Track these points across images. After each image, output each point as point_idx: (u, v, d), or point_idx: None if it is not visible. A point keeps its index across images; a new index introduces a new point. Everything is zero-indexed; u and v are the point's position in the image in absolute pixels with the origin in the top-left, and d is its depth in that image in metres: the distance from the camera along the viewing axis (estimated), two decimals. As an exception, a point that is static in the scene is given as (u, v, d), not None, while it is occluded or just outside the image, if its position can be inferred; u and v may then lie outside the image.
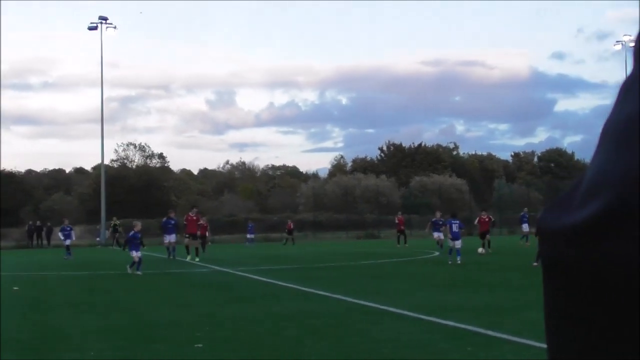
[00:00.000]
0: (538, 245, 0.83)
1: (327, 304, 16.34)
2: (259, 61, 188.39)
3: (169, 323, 13.46)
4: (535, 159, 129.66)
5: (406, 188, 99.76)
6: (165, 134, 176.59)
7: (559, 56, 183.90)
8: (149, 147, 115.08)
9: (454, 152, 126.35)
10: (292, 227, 62.37)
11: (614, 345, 0.66)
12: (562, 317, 0.75)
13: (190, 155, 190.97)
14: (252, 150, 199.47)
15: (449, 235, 29.11)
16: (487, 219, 33.78)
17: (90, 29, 71.45)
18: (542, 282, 0.78)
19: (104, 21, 71.23)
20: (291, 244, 57.72)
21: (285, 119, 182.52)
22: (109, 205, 73.26)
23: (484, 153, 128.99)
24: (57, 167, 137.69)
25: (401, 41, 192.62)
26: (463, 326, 12.16)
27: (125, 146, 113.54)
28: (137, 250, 27.05)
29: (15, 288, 21.65)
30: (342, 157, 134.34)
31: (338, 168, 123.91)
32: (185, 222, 38.11)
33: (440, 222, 37.72)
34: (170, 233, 38.00)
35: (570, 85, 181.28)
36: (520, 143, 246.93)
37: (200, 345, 10.98)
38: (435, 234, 37.78)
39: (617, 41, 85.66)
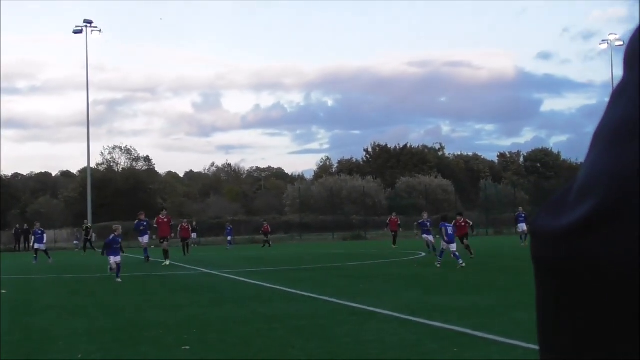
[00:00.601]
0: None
1: (314, 306, 16.37)
2: (245, 63, 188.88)
3: (156, 325, 13.47)
4: (521, 159, 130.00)
5: (392, 189, 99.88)
6: (152, 136, 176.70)
7: (544, 56, 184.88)
8: (135, 150, 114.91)
9: (440, 153, 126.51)
10: (268, 229, 61.92)
11: (606, 345, 0.67)
12: (553, 317, 0.75)
13: (177, 157, 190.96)
14: (238, 152, 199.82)
15: (445, 238, 28.73)
16: (463, 223, 33.14)
17: (76, 32, 71.25)
18: (535, 283, 0.78)
19: (89, 25, 71.08)
20: (268, 247, 57.43)
21: (271, 121, 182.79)
22: (96, 208, 73.11)
23: (470, 154, 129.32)
24: (43, 171, 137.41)
25: (387, 42, 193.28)
26: (450, 327, 12.22)
27: (111, 149, 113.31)
28: (115, 256, 24.99)
29: (3, 291, 21.61)
30: (328, 158, 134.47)
31: (324, 169, 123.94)
32: (155, 225, 37.48)
33: (428, 224, 37.38)
34: (142, 235, 37.97)
35: (556, 85, 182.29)
36: (507, 143, 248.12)
37: (187, 347, 11.00)
38: (425, 236, 37.40)
39: (602, 40, 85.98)
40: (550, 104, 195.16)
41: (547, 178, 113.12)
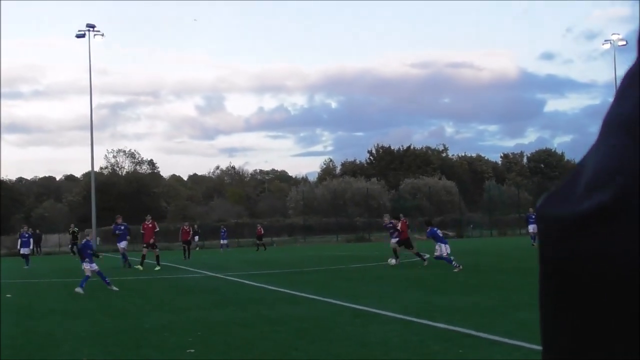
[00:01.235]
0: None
1: (318, 308, 16.38)
2: (248, 66, 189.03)
3: (160, 328, 13.48)
4: (525, 160, 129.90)
5: (396, 191, 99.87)
6: (155, 140, 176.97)
7: (547, 56, 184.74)
8: (138, 153, 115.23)
9: (443, 154, 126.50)
10: (262, 232, 61.50)
11: (606, 346, 0.65)
12: (558, 309, 0.73)
13: (181, 161, 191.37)
14: (241, 155, 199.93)
15: (438, 243, 28.13)
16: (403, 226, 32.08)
17: (78, 36, 71.25)
18: (539, 274, 0.76)
19: (91, 29, 71.05)
20: (263, 250, 57.23)
21: (274, 123, 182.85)
22: (99, 212, 73.06)
23: (473, 155, 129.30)
24: (47, 175, 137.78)
25: (390, 44, 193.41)
26: (453, 328, 12.21)
27: (115, 153, 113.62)
28: (90, 263, 22.90)
29: (8, 295, 21.64)
30: (331, 160, 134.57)
31: (327, 172, 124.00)
32: (142, 231, 35.94)
33: (390, 226, 35.32)
34: (120, 239, 36.52)
35: (559, 86, 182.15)
36: (510, 144, 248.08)
37: (192, 350, 11.01)
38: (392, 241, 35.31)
39: (605, 40, 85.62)
40: (554, 105, 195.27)
41: (550, 178, 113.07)
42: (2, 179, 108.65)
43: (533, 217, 46.32)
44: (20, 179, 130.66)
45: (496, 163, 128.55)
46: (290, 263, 36.28)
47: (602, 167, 0.71)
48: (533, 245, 42.84)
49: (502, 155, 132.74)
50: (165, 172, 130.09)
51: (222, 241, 61.00)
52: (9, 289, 23.41)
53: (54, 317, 16.22)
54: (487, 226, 79.76)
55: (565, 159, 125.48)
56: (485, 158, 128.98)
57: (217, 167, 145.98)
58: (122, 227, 36.48)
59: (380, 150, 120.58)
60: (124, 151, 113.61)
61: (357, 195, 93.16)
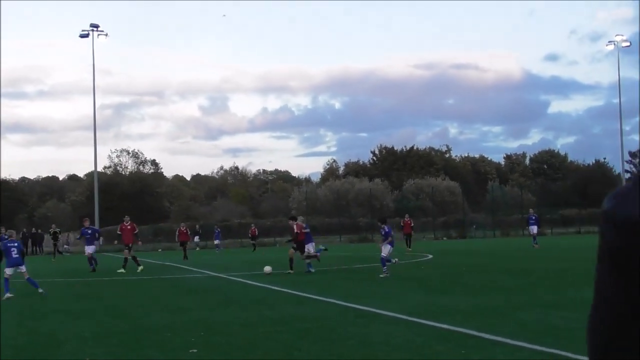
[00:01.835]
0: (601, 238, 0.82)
1: (320, 308, 16.37)
2: (252, 66, 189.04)
3: (163, 328, 13.48)
4: (527, 161, 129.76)
5: (399, 191, 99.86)
6: (159, 140, 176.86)
7: (552, 58, 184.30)
8: (142, 153, 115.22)
9: (446, 155, 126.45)
10: (256, 232, 60.89)
11: None
12: (625, 310, 0.75)
13: (184, 161, 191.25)
14: (245, 155, 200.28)
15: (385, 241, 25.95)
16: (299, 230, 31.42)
17: (82, 36, 71.31)
18: (601, 271, 0.76)
19: (95, 29, 71.12)
20: (253, 250, 56.88)
21: (278, 123, 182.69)
22: (102, 211, 73.19)
23: (476, 155, 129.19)
24: (50, 175, 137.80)
25: (394, 45, 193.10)
26: (456, 328, 12.20)
27: (118, 153, 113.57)
28: (19, 265, 21.72)
29: (11, 295, 21.64)
30: (334, 161, 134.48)
31: (330, 172, 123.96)
32: (119, 232, 34.84)
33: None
34: (89, 243, 34.20)
35: (563, 87, 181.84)
36: (514, 145, 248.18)
37: (195, 350, 11.01)
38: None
39: (609, 41, 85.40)
40: (558, 106, 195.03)
41: (553, 180, 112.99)
42: (5, 178, 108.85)
43: (533, 218, 45.88)
44: (23, 179, 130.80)
45: (499, 164, 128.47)
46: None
47: None
48: (534, 246, 42.58)
49: (505, 156, 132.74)
50: (168, 172, 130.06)
51: (215, 241, 60.77)
52: (11, 289, 23.38)
53: (56, 317, 16.23)
54: (490, 227, 79.67)
55: (569, 160, 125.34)
56: (489, 159, 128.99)
57: (221, 167, 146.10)
58: (90, 231, 34.68)
59: (384, 150, 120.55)
60: (128, 151, 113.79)
61: (360, 195, 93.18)
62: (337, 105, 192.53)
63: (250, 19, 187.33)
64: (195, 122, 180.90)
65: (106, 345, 11.87)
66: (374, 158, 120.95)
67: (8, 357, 11.07)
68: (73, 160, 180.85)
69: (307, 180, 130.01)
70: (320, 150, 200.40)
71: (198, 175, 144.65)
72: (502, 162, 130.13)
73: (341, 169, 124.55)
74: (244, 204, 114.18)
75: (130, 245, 33.58)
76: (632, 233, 0.76)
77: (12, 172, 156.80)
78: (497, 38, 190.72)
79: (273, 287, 21.83)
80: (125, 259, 32.96)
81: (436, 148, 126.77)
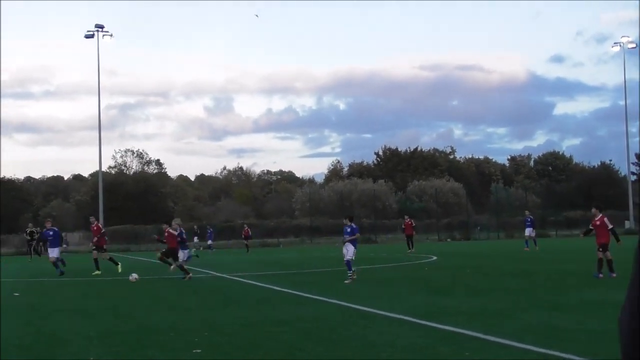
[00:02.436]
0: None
1: (323, 309, 16.37)
2: (257, 67, 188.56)
3: (167, 328, 13.48)
4: (532, 163, 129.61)
5: (403, 192, 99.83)
6: (164, 140, 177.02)
7: (557, 59, 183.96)
8: (146, 153, 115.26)
9: (451, 157, 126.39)
10: (249, 233, 59.82)
11: None
12: None
13: (189, 161, 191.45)
14: (250, 156, 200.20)
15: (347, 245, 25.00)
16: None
17: (87, 37, 71.34)
18: (632, 299, 0.76)
19: (100, 29, 71.14)
20: (246, 252, 56.46)
21: (283, 124, 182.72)
22: (107, 211, 73.24)
23: (481, 157, 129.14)
24: (55, 174, 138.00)
25: (399, 46, 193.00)
26: (460, 330, 12.19)
27: (123, 153, 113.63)
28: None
29: (16, 294, 21.70)
30: (338, 161, 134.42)
31: (334, 173, 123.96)
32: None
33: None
34: (52, 246, 31.92)
35: (568, 89, 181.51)
36: (519, 147, 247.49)
37: (198, 350, 11.01)
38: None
39: (615, 43, 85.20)
40: (563, 107, 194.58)
41: (558, 181, 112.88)
42: (10, 178, 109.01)
43: (529, 220, 45.50)
44: (28, 178, 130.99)
45: (504, 165, 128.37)
46: (296, 264, 36.31)
47: None
48: (526, 249, 42.37)
49: (509, 157, 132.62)
50: (172, 172, 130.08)
51: (208, 242, 60.64)
52: (17, 288, 23.46)
53: (61, 317, 16.25)
54: (494, 228, 79.66)
55: (574, 162, 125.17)
56: (493, 160, 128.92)
57: (224, 168, 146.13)
58: (51, 233, 32.15)
59: (388, 152, 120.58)
60: (132, 151, 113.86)
61: (363, 196, 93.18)
62: (342, 106, 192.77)
63: (256, 20, 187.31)
64: (200, 123, 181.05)
65: (110, 345, 11.87)
66: (378, 159, 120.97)
67: (13, 356, 11.08)
68: (78, 160, 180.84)
69: (311, 180, 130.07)
70: (324, 151, 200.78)
71: (202, 175, 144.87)
72: (507, 163, 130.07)
73: (345, 170, 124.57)
74: (248, 204, 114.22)
75: (99, 246, 32.19)
76: None
77: (18, 172, 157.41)
78: (503, 39, 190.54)
79: (276, 288, 21.83)
80: (95, 260, 31.64)
81: (440, 149, 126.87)
